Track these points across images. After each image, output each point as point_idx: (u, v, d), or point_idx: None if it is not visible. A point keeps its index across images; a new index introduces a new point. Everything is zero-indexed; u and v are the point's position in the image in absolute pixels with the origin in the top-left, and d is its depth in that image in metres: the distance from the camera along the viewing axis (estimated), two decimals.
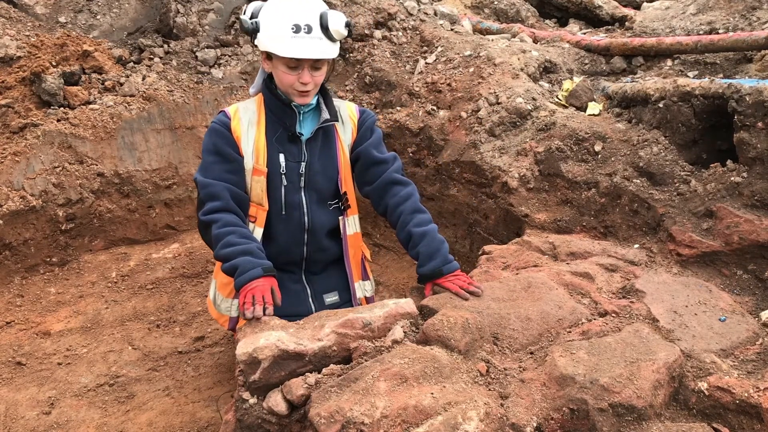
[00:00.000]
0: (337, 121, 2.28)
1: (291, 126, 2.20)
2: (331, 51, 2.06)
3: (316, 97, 2.23)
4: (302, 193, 2.25)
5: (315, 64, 2.07)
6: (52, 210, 3.38)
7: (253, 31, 2.07)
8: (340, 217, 2.35)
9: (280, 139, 2.21)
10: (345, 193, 2.32)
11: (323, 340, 1.68)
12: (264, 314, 1.83)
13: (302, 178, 2.24)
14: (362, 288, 2.45)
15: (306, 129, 2.24)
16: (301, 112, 2.20)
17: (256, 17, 2.07)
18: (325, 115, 2.22)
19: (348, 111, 2.34)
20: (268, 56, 2.11)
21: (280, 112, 2.19)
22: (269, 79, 2.19)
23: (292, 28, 1.99)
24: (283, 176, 2.21)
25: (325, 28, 2.02)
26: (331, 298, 2.38)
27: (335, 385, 1.53)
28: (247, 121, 2.19)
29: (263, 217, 2.22)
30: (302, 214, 2.26)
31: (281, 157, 2.20)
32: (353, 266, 2.40)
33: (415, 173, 3.72)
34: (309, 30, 2.00)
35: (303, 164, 2.23)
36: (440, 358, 1.62)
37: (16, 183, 3.31)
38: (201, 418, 2.48)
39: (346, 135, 2.32)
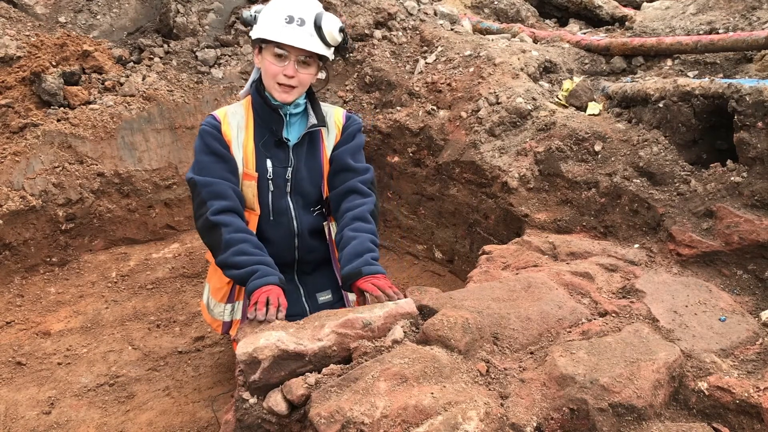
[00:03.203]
0: (324, 126, 2.28)
1: (278, 131, 2.20)
2: (320, 48, 2.07)
3: (305, 103, 2.24)
4: (288, 198, 2.26)
5: (303, 61, 2.09)
6: (52, 210, 3.38)
7: (251, 23, 2.12)
8: (324, 223, 2.37)
9: (266, 144, 2.21)
10: (327, 198, 2.33)
11: (323, 340, 1.68)
12: (276, 317, 1.80)
13: (289, 184, 2.24)
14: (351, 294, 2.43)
15: (293, 135, 2.24)
16: (288, 113, 2.20)
17: (259, 13, 2.12)
18: (312, 120, 2.23)
19: (335, 116, 2.34)
20: (260, 50, 2.13)
21: (267, 116, 2.19)
22: (259, 81, 2.20)
23: (285, 19, 2.03)
24: (270, 182, 2.21)
25: (318, 27, 2.05)
26: (324, 296, 2.39)
27: (335, 385, 1.53)
28: (236, 125, 2.20)
29: (255, 222, 2.23)
30: (290, 219, 2.27)
31: (268, 162, 2.20)
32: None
33: (415, 173, 3.71)
34: (302, 23, 2.04)
35: (289, 170, 2.23)
36: (440, 358, 1.62)
37: (16, 183, 3.31)
38: (201, 418, 2.48)
39: (329, 141, 2.32)
